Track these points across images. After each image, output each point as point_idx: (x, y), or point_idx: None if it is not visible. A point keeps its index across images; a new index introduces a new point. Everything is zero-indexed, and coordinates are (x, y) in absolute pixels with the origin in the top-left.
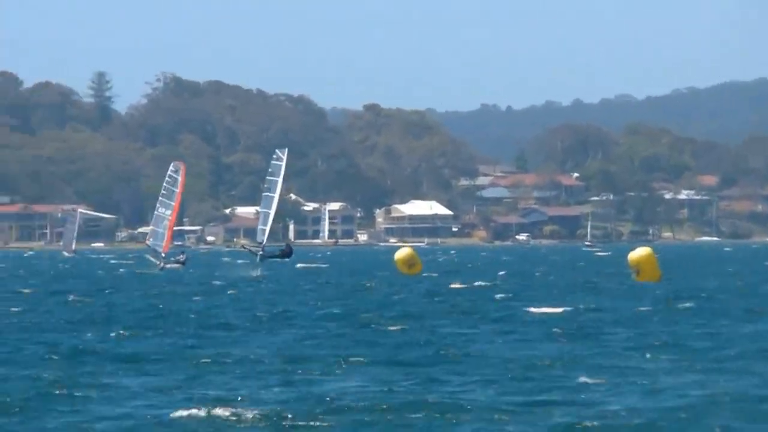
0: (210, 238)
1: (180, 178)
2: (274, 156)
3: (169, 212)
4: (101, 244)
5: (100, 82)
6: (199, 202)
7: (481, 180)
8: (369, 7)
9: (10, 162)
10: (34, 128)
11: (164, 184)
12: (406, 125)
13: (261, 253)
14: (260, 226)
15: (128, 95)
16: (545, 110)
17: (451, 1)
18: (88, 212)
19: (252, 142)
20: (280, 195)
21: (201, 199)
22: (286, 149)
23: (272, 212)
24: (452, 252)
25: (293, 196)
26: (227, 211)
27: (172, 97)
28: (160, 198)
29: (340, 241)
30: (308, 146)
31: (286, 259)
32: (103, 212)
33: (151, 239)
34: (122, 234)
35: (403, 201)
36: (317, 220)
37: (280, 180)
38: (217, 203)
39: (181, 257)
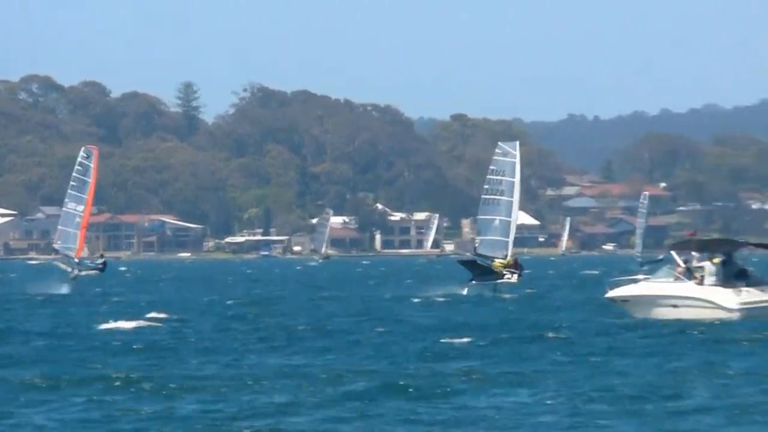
0: (296, 248)
1: (93, 165)
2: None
3: (81, 207)
4: (188, 254)
5: (188, 92)
6: (286, 213)
7: (568, 190)
8: (455, 18)
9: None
10: (121, 138)
11: (74, 173)
12: (492, 135)
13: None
14: (493, 237)
15: (215, 105)
16: (632, 120)
17: (538, 12)
18: (175, 222)
19: (339, 152)
20: (368, 204)
21: (288, 209)
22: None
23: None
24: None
25: (380, 206)
26: (314, 220)
27: (259, 107)
28: (68, 191)
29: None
30: (395, 156)
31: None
32: (190, 222)
33: (59, 241)
34: (209, 244)
35: None
36: (404, 230)
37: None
38: (303, 213)
39: (100, 261)
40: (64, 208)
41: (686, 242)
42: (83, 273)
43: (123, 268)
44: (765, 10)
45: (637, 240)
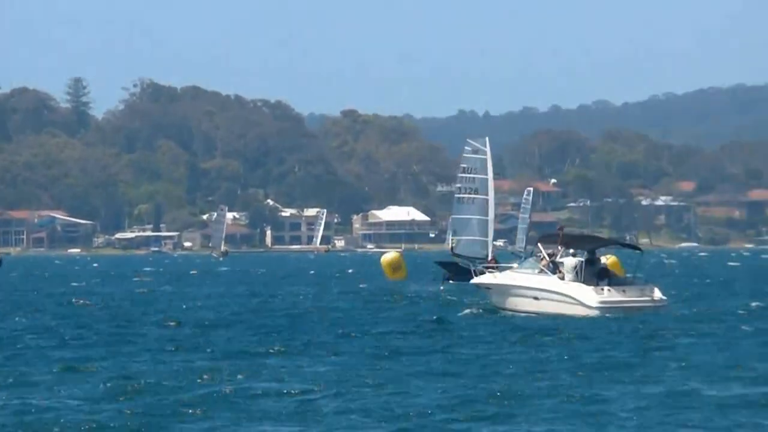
0: (187, 244)
1: None
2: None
3: None
4: (78, 250)
5: (77, 87)
6: (177, 209)
7: None
8: (345, 13)
9: None
10: (10, 134)
11: None
12: (383, 131)
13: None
14: (471, 237)
15: (105, 101)
16: (523, 116)
17: (427, 7)
18: (65, 218)
19: (230, 147)
20: (258, 200)
21: (178, 205)
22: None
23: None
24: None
25: (270, 202)
26: (205, 216)
27: (150, 103)
28: None
29: (330, 247)
30: (286, 152)
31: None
32: (80, 218)
33: None
34: (99, 240)
35: (381, 207)
36: (295, 226)
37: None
38: (194, 209)
39: None
40: None
41: (553, 236)
42: None
43: None
44: (654, 8)
45: (519, 235)
